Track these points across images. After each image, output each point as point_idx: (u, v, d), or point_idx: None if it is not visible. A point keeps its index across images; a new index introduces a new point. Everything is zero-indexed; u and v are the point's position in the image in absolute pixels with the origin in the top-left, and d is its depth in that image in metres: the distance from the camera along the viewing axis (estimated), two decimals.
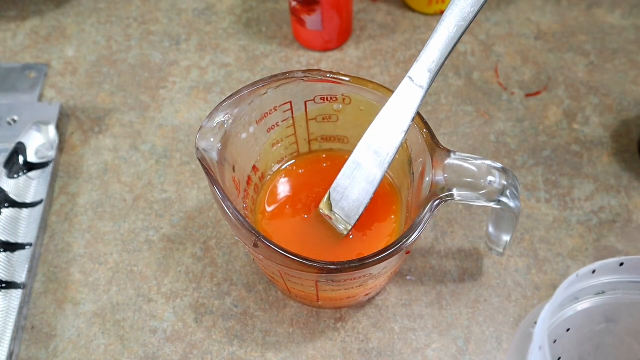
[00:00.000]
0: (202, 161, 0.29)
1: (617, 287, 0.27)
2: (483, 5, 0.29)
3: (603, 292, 0.27)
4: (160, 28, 0.52)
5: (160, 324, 0.37)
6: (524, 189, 0.42)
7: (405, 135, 0.30)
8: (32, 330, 0.37)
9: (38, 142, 0.43)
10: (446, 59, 0.29)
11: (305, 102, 0.34)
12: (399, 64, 0.49)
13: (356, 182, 0.32)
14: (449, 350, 0.36)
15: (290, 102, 0.34)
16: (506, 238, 0.34)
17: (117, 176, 0.44)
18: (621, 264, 0.26)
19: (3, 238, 0.39)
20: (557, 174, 0.43)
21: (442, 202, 0.29)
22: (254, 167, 0.35)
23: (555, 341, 0.28)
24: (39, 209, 0.41)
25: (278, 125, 0.35)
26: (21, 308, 0.37)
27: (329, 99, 0.34)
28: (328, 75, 0.32)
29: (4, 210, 0.40)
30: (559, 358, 0.30)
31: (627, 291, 0.27)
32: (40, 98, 0.48)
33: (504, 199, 0.29)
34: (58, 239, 0.41)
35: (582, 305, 0.28)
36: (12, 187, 0.41)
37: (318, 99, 0.34)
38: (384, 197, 0.36)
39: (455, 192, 0.29)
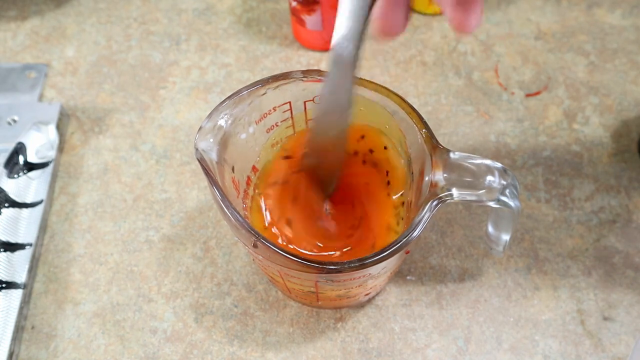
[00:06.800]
0: (202, 162, 0.29)
1: None
2: None
3: None
4: (160, 28, 0.52)
5: (160, 324, 0.37)
6: (524, 189, 0.42)
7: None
8: (32, 330, 0.37)
9: (38, 142, 0.43)
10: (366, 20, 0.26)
11: (305, 103, 0.34)
12: (399, 64, 0.49)
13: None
14: (449, 350, 0.36)
15: (290, 103, 0.34)
16: (506, 238, 0.34)
17: (117, 176, 0.44)
18: None
19: (3, 238, 0.39)
20: (557, 174, 0.43)
21: (441, 201, 0.29)
22: (253, 167, 0.35)
23: None
24: (39, 209, 0.41)
25: (277, 126, 0.35)
26: (21, 308, 0.37)
27: None
28: None
29: (4, 210, 0.40)
30: None
31: None
32: (40, 98, 0.48)
33: (503, 199, 0.29)
34: (58, 239, 0.41)
35: None
36: (12, 187, 0.41)
37: (317, 99, 0.34)
38: (383, 196, 0.36)
39: (454, 191, 0.29)
